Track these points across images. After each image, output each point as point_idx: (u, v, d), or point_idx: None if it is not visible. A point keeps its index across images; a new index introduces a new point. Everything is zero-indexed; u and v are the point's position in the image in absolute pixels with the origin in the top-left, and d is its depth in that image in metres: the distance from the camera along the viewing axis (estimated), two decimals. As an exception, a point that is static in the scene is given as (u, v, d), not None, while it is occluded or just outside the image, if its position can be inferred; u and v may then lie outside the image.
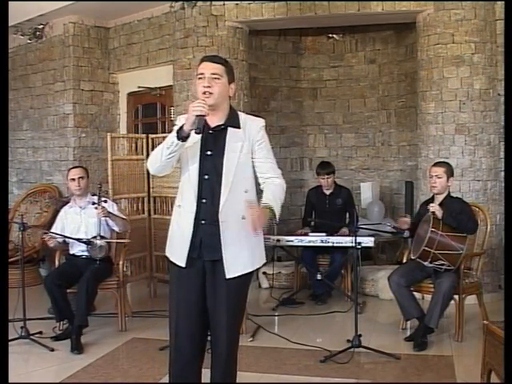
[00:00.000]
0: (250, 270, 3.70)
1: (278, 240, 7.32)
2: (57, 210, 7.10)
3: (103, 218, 6.11)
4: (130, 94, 9.82)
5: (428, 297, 5.89)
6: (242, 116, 3.74)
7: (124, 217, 6.42)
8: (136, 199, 7.68)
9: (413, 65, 8.21)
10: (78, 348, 5.62)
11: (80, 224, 6.27)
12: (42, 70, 9.99)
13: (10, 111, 10.47)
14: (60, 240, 6.24)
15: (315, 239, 7.17)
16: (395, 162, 9.14)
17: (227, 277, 3.57)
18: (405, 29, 8.59)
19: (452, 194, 6.01)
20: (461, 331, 5.73)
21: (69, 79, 9.40)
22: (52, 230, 6.30)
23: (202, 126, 3.40)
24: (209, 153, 3.58)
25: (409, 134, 8.80)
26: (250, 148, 3.65)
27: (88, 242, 6.08)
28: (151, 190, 7.72)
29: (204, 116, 3.40)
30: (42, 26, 9.68)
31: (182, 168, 3.67)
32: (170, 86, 8.52)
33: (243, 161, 3.62)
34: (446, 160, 6.45)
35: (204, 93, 3.50)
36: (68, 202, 6.61)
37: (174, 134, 3.48)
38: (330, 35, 9.43)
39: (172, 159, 3.54)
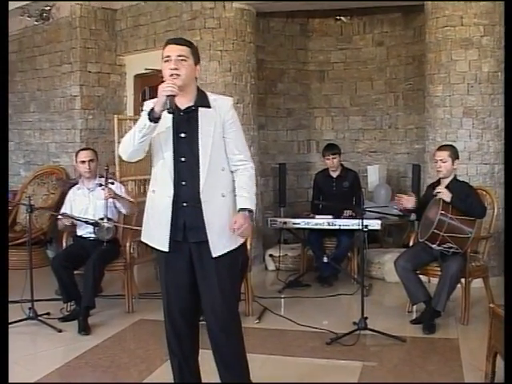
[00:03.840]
0: (234, 247, 3.71)
1: (285, 222, 7.34)
2: (64, 191, 7.11)
3: (110, 200, 6.13)
4: (136, 76, 9.80)
5: (434, 280, 5.90)
6: (211, 96, 3.75)
7: (131, 199, 6.43)
8: (143, 181, 7.68)
9: (421, 47, 8.14)
10: (85, 329, 5.66)
11: (88, 206, 6.27)
12: (49, 51, 9.98)
13: (17, 93, 10.52)
14: (69, 221, 6.26)
15: (322, 222, 7.19)
16: (402, 145, 9.11)
17: (214, 255, 3.59)
18: (413, 11, 8.53)
19: (458, 178, 6.00)
20: (467, 314, 5.74)
21: (76, 61, 9.40)
22: (63, 211, 6.33)
23: (173, 106, 3.44)
24: (183, 135, 3.59)
25: (416, 117, 8.76)
26: (221, 127, 3.65)
27: (95, 224, 6.09)
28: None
29: (174, 96, 3.43)
30: (48, 8, 9.66)
31: (154, 154, 3.68)
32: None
33: (217, 140, 3.63)
34: (453, 143, 6.43)
35: (171, 75, 3.52)
36: (75, 184, 6.62)
37: (145, 117, 3.49)
38: (338, 17, 9.36)
39: (144, 142, 3.55)
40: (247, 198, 3.67)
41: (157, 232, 3.67)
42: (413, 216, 6.32)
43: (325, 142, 8.54)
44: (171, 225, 3.60)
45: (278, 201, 8.02)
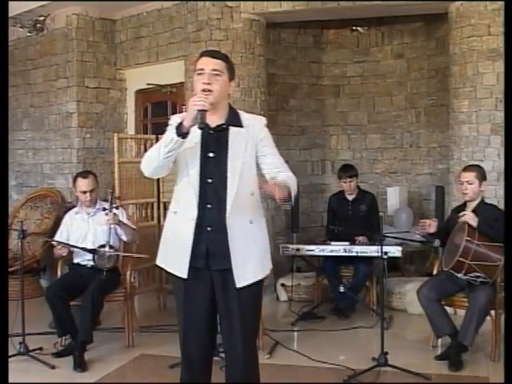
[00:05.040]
0: (261, 278, 3.73)
1: (298, 249, 7.31)
2: (59, 216, 7.10)
3: (112, 226, 6.11)
4: (138, 92, 9.85)
5: (461, 312, 5.86)
6: (243, 114, 3.78)
7: (134, 226, 6.43)
8: (145, 205, 7.69)
9: (444, 59, 8.16)
10: (81, 365, 5.62)
11: (87, 231, 6.27)
12: (43, 65, 10.03)
13: (9, 109, 10.52)
14: (66, 248, 6.23)
15: (338, 248, 7.16)
16: (425, 165, 9.10)
17: (237, 286, 3.59)
18: (436, 20, 8.55)
19: (486, 200, 5.97)
20: (497, 350, 5.68)
21: (72, 75, 9.44)
22: (57, 237, 6.31)
23: (204, 121, 3.43)
24: (211, 154, 3.61)
25: (440, 135, 8.76)
26: (254, 147, 3.68)
27: (94, 252, 6.07)
28: (161, 194, 7.73)
29: (206, 111, 3.42)
30: (42, 18, 9.72)
31: (179, 172, 3.68)
32: (182, 82, 8.52)
33: (248, 161, 3.65)
34: (480, 163, 6.41)
35: (204, 90, 3.52)
36: (71, 208, 6.62)
37: (172, 131, 3.48)
38: (354, 28, 9.40)
39: (170, 158, 3.54)
40: (285, 179, 3.54)
41: (176, 257, 3.67)
42: (437, 242, 6.28)
43: (340, 162, 8.54)
44: (192, 250, 3.59)
45: (291, 226, 7.98)
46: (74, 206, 6.59)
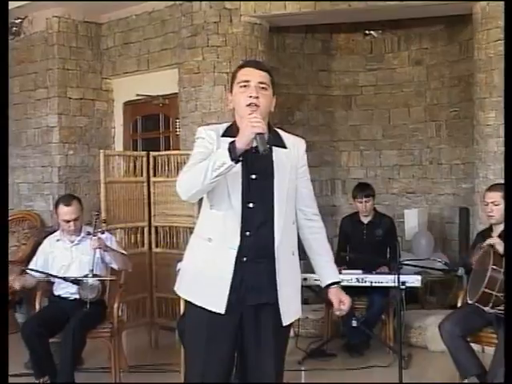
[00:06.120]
0: (300, 316, 3.79)
1: (305, 279, 7.25)
2: (38, 242, 7.07)
3: (98, 253, 6.05)
4: (126, 104, 9.87)
5: (489, 349, 5.81)
6: (283, 134, 3.76)
7: (124, 252, 6.39)
8: (134, 229, 7.65)
9: (468, 66, 8.19)
10: (61, 411, 5.59)
11: (71, 262, 6.20)
12: (20, 73, 10.05)
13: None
14: (41, 278, 6.19)
15: (350, 278, 7.10)
16: (447, 185, 9.10)
17: (284, 324, 3.59)
18: (458, 22, 8.59)
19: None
20: (531, 392, 5.65)
21: (53, 85, 9.47)
22: (31, 265, 6.26)
23: (266, 146, 3.37)
24: (253, 177, 3.56)
25: (463, 151, 8.77)
26: (295, 172, 3.68)
27: (76, 282, 6.02)
28: (152, 218, 7.69)
29: (264, 134, 3.37)
30: (19, 21, 9.75)
31: (216, 195, 3.59)
32: (176, 93, 8.55)
33: (291, 186, 3.65)
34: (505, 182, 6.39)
35: (249, 105, 3.48)
36: (52, 232, 6.58)
37: (224, 154, 3.35)
38: (367, 32, 9.45)
39: (216, 183, 3.44)
40: (333, 266, 3.92)
41: (210, 289, 3.58)
42: (460, 271, 6.26)
43: (352, 182, 8.54)
44: (231, 283, 3.54)
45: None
46: (55, 231, 6.55)
